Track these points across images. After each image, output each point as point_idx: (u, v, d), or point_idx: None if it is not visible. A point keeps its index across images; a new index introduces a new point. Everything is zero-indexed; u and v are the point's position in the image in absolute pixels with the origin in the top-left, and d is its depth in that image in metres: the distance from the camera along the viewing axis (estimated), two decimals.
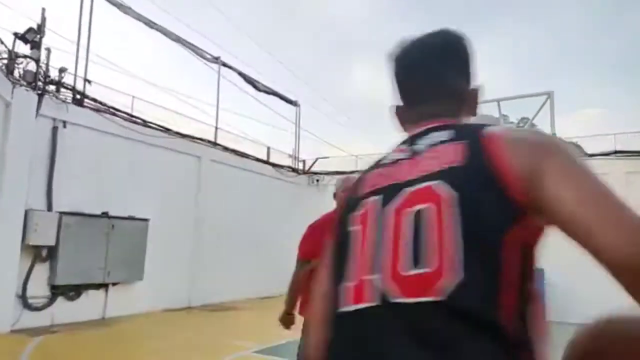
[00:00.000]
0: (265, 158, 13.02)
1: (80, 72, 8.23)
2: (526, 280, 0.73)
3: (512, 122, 11.80)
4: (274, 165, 13.14)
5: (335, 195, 2.52)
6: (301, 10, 38.16)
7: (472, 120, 1.06)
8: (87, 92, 8.22)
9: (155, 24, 9.47)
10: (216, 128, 11.08)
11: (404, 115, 1.05)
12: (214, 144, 10.92)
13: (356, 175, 1.00)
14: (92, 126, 8.16)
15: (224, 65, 11.31)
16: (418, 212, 0.78)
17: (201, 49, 10.74)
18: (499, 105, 10.35)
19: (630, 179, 9.96)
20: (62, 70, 7.87)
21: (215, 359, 5.67)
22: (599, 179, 0.71)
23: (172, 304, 9.36)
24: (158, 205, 9.23)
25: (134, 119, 8.93)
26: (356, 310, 0.77)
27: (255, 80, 12.10)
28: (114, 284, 8.32)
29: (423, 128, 0.94)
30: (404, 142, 0.95)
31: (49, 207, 7.43)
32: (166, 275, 9.34)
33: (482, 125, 0.86)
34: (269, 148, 13.25)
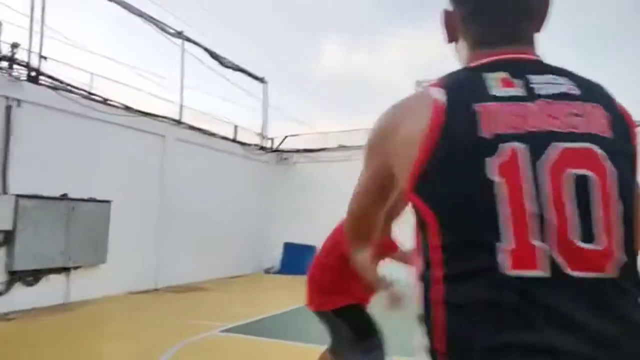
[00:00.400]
0: (232, 136, 12.82)
1: (35, 48, 7.81)
2: None
3: None
4: (241, 143, 12.97)
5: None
6: None
7: None
8: (43, 69, 7.83)
9: None
10: (181, 106, 10.80)
11: (475, 29, 0.91)
12: (179, 122, 10.65)
13: (426, 96, 0.83)
14: (49, 104, 7.80)
15: (188, 40, 10.95)
16: (581, 178, 0.74)
17: (163, 23, 10.35)
18: None
19: None
20: (14, 46, 7.45)
21: (180, 339, 5.65)
22: None
23: (137, 286, 9.25)
24: (121, 186, 9.00)
25: (93, 96, 8.58)
26: (521, 277, 0.71)
27: (221, 56, 11.78)
28: (75, 268, 8.13)
29: (520, 56, 0.85)
30: (502, 70, 0.82)
31: (4, 190, 7.12)
32: (131, 258, 9.19)
33: (602, 87, 0.85)
34: (236, 126, 13.05)
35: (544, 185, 0.73)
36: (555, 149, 0.75)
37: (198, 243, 11.03)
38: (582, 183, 0.74)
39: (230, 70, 12.40)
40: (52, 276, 7.76)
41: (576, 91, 0.81)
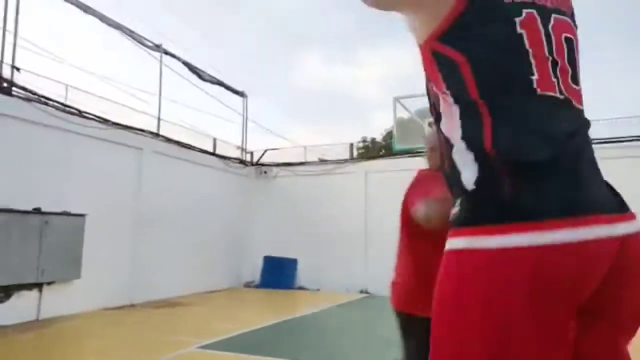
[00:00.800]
0: (211, 150, 12.75)
1: (8, 59, 7.69)
2: None
3: None
4: (220, 157, 12.90)
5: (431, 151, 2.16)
6: (247, 1, 37.48)
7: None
8: (16, 81, 7.70)
9: (90, 8, 8.98)
10: (159, 119, 10.71)
11: None
12: (157, 135, 10.56)
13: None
14: (22, 116, 7.66)
15: (166, 53, 10.92)
16: (568, 39, 1.03)
17: (142, 36, 10.32)
18: None
19: None
20: None
21: (156, 356, 5.52)
22: None
23: (113, 302, 9.03)
24: (96, 200, 8.83)
25: (68, 109, 8.46)
26: (549, 96, 0.97)
27: (200, 70, 11.78)
28: (48, 283, 7.90)
29: None
30: None
31: None
32: (106, 272, 8.99)
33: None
34: (215, 139, 12.99)
35: (552, 41, 1.00)
36: (553, 18, 1.01)
37: (176, 257, 10.86)
38: (569, 43, 1.03)
39: (209, 84, 12.38)
40: (23, 292, 7.52)
41: None
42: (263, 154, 14.51)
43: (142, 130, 10.09)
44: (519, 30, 0.96)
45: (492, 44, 0.97)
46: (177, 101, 16.60)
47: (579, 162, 0.95)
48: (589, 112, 1.10)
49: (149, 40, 10.54)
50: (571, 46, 1.03)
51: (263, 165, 14.35)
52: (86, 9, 8.84)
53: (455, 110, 1.01)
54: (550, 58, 0.98)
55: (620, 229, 0.91)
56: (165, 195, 10.63)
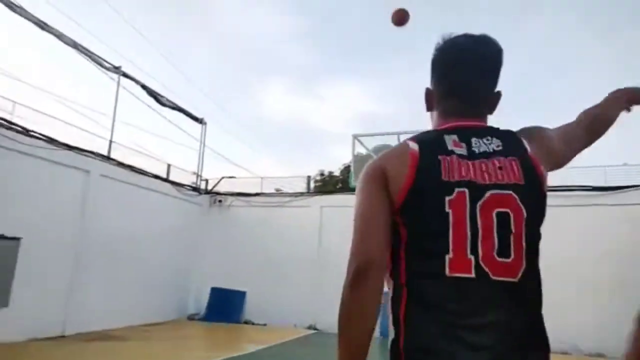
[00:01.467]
0: (165, 175, 12.45)
1: None
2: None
3: None
4: (173, 183, 12.60)
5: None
6: (212, 26, 37.66)
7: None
8: None
9: (47, 25, 8.73)
10: (110, 141, 10.39)
11: (445, 104, 1.29)
12: (107, 158, 10.22)
13: (406, 146, 1.19)
14: None
15: (125, 75, 10.72)
16: (500, 214, 1.09)
17: (100, 57, 10.10)
18: (398, 137, 10.94)
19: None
20: None
21: None
22: None
23: (42, 333, 8.46)
24: (34, 223, 8.37)
25: (13, 126, 8.08)
26: (458, 277, 1.07)
27: (159, 94, 11.59)
28: None
29: (470, 124, 1.23)
30: (454, 133, 1.20)
31: None
32: (38, 300, 8.46)
33: (520, 140, 1.20)
34: (169, 165, 12.71)
35: (478, 220, 1.09)
36: (487, 194, 1.11)
37: (117, 286, 10.38)
38: (503, 217, 1.09)
39: (168, 109, 12.20)
40: None
41: (501, 148, 1.17)
42: (218, 182, 14.30)
43: (92, 152, 9.74)
44: (447, 209, 1.09)
45: (424, 222, 1.12)
46: (132, 124, 16.24)
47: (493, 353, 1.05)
48: None
49: (107, 62, 10.32)
50: (504, 220, 1.09)
51: (218, 194, 14.12)
52: (43, 26, 8.59)
53: (390, 287, 1.19)
54: (470, 236, 1.08)
55: None
56: (111, 220, 10.22)
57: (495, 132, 1.22)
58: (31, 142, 8.34)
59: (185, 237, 13.05)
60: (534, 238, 1.13)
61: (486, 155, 1.16)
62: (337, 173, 26.68)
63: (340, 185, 23.35)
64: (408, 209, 1.12)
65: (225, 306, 12.74)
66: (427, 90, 1.34)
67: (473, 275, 1.06)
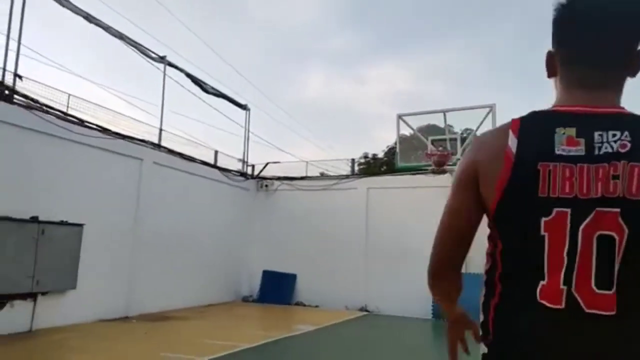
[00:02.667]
0: (212, 162, 12.69)
1: (10, 67, 7.68)
2: None
3: (456, 132, 12.14)
4: (221, 169, 12.83)
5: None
6: (252, 14, 37.86)
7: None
8: (18, 88, 7.67)
9: (94, 18, 8.99)
10: (160, 130, 10.67)
11: (568, 72, 1.08)
12: (158, 146, 10.50)
13: (505, 133, 1.04)
14: (22, 124, 7.61)
15: (170, 65, 10.93)
16: (603, 237, 0.94)
17: (146, 47, 10.33)
18: (444, 115, 10.64)
19: None
20: None
21: None
22: None
23: (107, 314, 8.88)
24: (94, 210, 8.74)
25: (68, 117, 8.42)
26: (547, 307, 0.97)
27: (203, 82, 11.77)
28: (43, 293, 7.77)
29: (597, 110, 1.00)
30: (572, 125, 0.98)
31: None
32: (102, 284, 8.86)
33: None
34: (216, 152, 12.94)
35: (578, 245, 0.95)
36: (595, 213, 0.95)
37: (174, 269, 10.73)
38: (604, 242, 0.94)
39: (213, 96, 12.37)
40: (17, 302, 7.39)
41: (627, 148, 0.94)
42: (264, 167, 14.44)
43: (143, 141, 10.04)
44: (542, 232, 0.98)
45: (517, 242, 1.03)
46: (181, 113, 16.61)
47: None
48: None
49: (152, 52, 10.55)
50: (606, 246, 0.94)
51: (264, 178, 14.28)
52: (90, 19, 8.86)
53: (485, 275, 1.12)
54: (567, 262, 0.96)
55: None
56: (164, 206, 10.54)
57: (629, 123, 0.97)
58: (86, 132, 8.66)
59: (235, 222, 13.30)
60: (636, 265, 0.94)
61: (607, 156, 0.94)
62: (381, 155, 26.40)
63: (384, 167, 23.08)
64: (500, 221, 1.04)
65: (277, 288, 12.94)
66: (549, 53, 1.12)
67: (563, 306, 0.96)
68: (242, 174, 13.82)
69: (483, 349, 1.08)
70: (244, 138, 14.14)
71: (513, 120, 1.04)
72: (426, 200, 11.64)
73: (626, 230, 0.92)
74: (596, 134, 0.96)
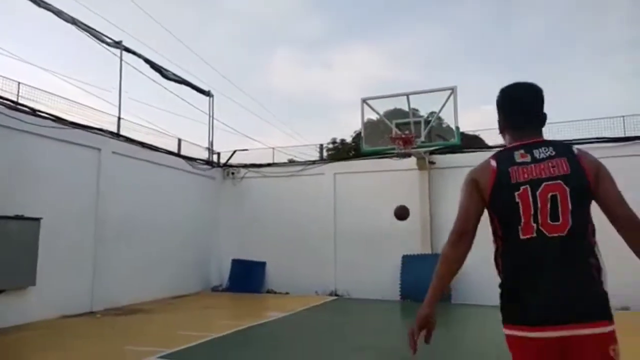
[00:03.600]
0: (176, 150, 12.40)
1: None
2: (592, 222, 1.77)
3: (422, 116, 12.22)
4: (185, 157, 12.56)
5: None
6: (218, 1, 36.92)
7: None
8: None
9: (44, 2, 8.54)
10: (119, 118, 10.32)
11: (513, 132, 1.96)
12: (117, 135, 10.16)
13: (489, 163, 1.87)
14: None
15: (127, 50, 10.54)
16: (552, 196, 1.73)
17: (100, 32, 9.91)
18: (408, 98, 10.67)
19: None
20: None
21: None
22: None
23: (71, 310, 8.62)
24: (52, 202, 8.42)
25: (19, 107, 8.02)
26: (524, 241, 1.75)
27: (163, 68, 11.42)
28: (0, 292, 7.46)
29: (530, 141, 1.87)
30: (521, 149, 1.85)
31: None
32: (64, 279, 8.59)
33: (570, 145, 1.84)
34: (179, 140, 12.64)
35: (537, 201, 1.74)
36: (542, 185, 1.76)
37: (140, 261, 10.50)
38: (553, 198, 1.73)
39: (174, 83, 12.03)
40: None
41: (553, 153, 1.80)
42: (232, 155, 14.22)
43: (101, 130, 9.68)
44: (516, 200, 1.78)
45: (505, 207, 1.81)
46: (141, 101, 16.10)
47: (552, 283, 1.71)
48: None
49: (108, 37, 10.14)
50: (555, 199, 1.74)
51: (230, 166, 14.07)
52: (39, 3, 8.41)
53: (494, 242, 1.92)
54: (533, 211, 1.75)
55: (559, 333, 1.65)
56: (127, 197, 10.26)
57: (549, 143, 1.87)
58: (40, 122, 8.28)
59: (202, 211, 13.10)
60: (578, 207, 1.73)
61: (544, 159, 1.80)
62: (349, 140, 26.45)
63: (353, 152, 23.14)
64: (493, 204, 1.84)
65: (246, 277, 12.87)
66: (499, 121, 2.05)
67: (535, 235, 1.75)
68: (208, 163, 13.58)
69: (499, 280, 1.86)
70: (209, 125, 13.88)
71: (492, 155, 1.91)
72: (392, 183, 11.77)
73: (568, 189, 1.73)
74: (534, 151, 1.84)
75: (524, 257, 1.76)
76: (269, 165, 13.79)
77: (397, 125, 10.98)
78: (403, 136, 10.52)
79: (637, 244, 1.68)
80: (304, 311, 9.81)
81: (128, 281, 10.09)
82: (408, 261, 11.13)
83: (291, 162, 14.06)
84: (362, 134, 11.55)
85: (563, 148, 1.82)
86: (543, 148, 1.82)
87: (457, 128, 10.36)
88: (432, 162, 11.43)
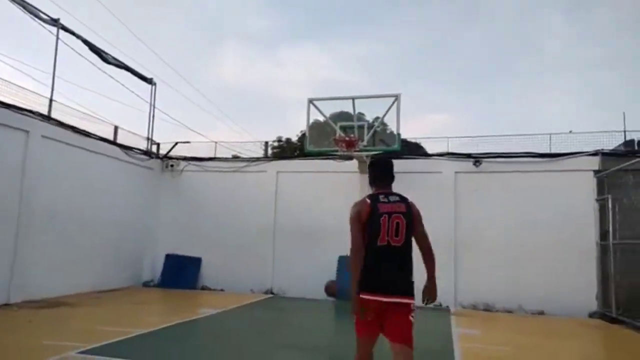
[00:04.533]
0: (112, 138, 11.86)
1: None
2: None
3: (366, 120, 12.44)
4: (122, 146, 12.05)
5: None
6: None
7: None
8: None
9: None
10: (51, 100, 9.72)
11: (377, 185, 3.34)
12: (47, 117, 9.58)
13: (365, 201, 3.15)
14: None
15: (64, 29, 9.96)
16: (397, 222, 3.04)
17: (36, 7, 9.30)
18: (353, 102, 10.84)
19: (458, 177, 11.30)
20: None
21: None
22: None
23: None
24: None
25: None
26: (380, 247, 3.00)
27: (103, 51, 10.90)
28: None
29: (387, 191, 3.24)
30: (382, 195, 3.19)
31: None
32: None
33: (406, 198, 3.22)
34: (116, 127, 12.10)
35: (389, 225, 3.04)
36: (393, 215, 3.06)
37: (68, 252, 9.97)
38: (398, 223, 3.05)
39: (114, 67, 11.52)
40: None
41: (397, 199, 3.18)
42: (173, 147, 13.82)
43: (30, 111, 9.09)
44: (380, 222, 3.02)
45: (374, 227, 3.03)
46: (77, 84, 15.28)
47: (389, 272, 3.00)
48: None
49: (44, 13, 9.53)
50: (398, 225, 3.03)
51: (171, 158, 13.66)
52: None
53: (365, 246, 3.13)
54: (387, 231, 3.00)
55: (386, 299, 2.93)
56: (57, 183, 9.71)
57: (395, 194, 3.22)
58: None
59: (138, 202, 12.63)
60: (408, 232, 3.06)
61: (393, 201, 3.12)
62: (295, 139, 26.45)
63: (298, 152, 23.16)
64: (368, 224, 3.05)
65: (180, 273, 12.55)
66: (370, 176, 3.44)
67: (386, 244, 3.00)
68: (146, 153, 13.11)
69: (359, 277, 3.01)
70: (149, 114, 13.40)
71: (367, 196, 3.20)
72: (334, 184, 11.90)
73: (405, 221, 3.05)
74: (389, 197, 3.17)
75: (378, 255, 3.00)
76: (211, 159, 13.52)
77: (342, 128, 11.11)
78: (347, 139, 10.66)
79: (428, 261, 3.23)
80: (237, 309, 9.71)
81: (53, 273, 9.55)
82: (344, 262, 11.29)
83: (235, 158, 13.86)
84: (307, 134, 11.60)
85: (402, 198, 3.21)
86: (392, 196, 3.18)
87: (399, 134, 10.65)
88: None
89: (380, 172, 3.37)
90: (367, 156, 11.19)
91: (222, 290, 12.37)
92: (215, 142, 14.10)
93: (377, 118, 11.65)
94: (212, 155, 13.67)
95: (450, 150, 11.73)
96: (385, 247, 2.97)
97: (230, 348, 6.31)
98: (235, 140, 14.49)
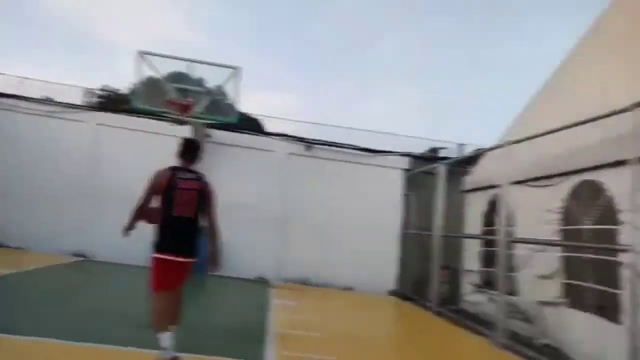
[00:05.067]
0: None
1: None
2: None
3: (207, 87, 11.92)
4: None
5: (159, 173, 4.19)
6: None
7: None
8: None
9: None
10: None
11: (183, 160, 4.22)
12: None
13: (167, 173, 4.06)
14: None
15: None
16: (190, 197, 4.05)
17: None
18: (189, 65, 10.33)
19: (290, 158, 11.77)
20: None
21: None
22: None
23: None
24: None
25: None
26: (175, 217, 4.00)
27: None
28: None
29: (188, 169, 4.18)
30: (184, 170, 4.16)
31: None
32: None
33: (202, 176, 4.23)
34: None
35: (183, 198, 4.05)
36: (186, 190, 4.06)
37: None
38: (190, 197, 4.06)
39: None
40: None
41: (195, 177, 4.15)
42: None
43: None
44: (176, 194, 3.99)
45: (169, 197, 4.01)
46: None
47: (180, 236, 4.03)
48: None
49: None
50: (190, 199, 4.04)
51: None
52: None
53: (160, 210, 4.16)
54: (180, 203, 4.00)
55: (179, 259, 4.00)
56: None
57: (193, 171, 4.15)
58: None
59: None
60: (199, 206, 4.08)
61: (189, 178, 4.08)
62: (124, 91, 24.07)
63: (127, 105, 21.11)
64: (164, 193, 3.98)
65: None
66: (179, 151, 4.24)
67: (178, 215, 3.98)
68: None
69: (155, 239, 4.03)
70: None
71: (170, 167, 4.10)
72: (162, 147, 11.12)
73: (197, 196, 4.06)
74: (188, 173, 4.12)
75: (172, 224, 3.92)
76: (13, 96, 11.44)
77: (179, 90, 10.45)
78: (183, 102, 10.07)
79: (212, 234, 4.19)
80: (40, 270, 8.62)
81: None
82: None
83: (45, 100, 11.96)
84: (135, 88, 10.61)
85: (198, 175, 4.11)
86: (191, 173, 4.06)
87: (237, 108, 10.48)
88: (207, 135, 11.28)
89: (188, 150, 4.20)
90: (202, 124, 10.77)
91: (23, 248, 10.68)
92: (24, 78, 12.02)
93: (219, 87, 11.27)
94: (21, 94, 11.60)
95: (286, 132, 12.07)
96: (179, 218, 3.94)
97: (32, 313, 5.41)
98: (49, 80, 12.55)
